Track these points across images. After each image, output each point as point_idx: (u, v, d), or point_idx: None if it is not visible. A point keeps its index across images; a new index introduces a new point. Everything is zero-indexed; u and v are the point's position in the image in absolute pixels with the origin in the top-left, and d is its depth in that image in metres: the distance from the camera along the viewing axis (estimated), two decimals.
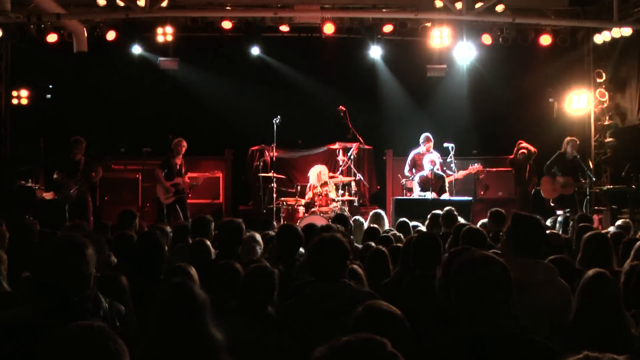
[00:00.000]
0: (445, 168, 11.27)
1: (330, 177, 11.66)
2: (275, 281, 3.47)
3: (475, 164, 11.48)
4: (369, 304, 2.61)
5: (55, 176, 10.72)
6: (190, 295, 2.63)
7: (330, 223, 6.95)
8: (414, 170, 11.44)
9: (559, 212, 10.79)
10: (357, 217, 8.46)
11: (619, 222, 7.60)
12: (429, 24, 12.20)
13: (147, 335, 2.64)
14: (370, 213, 8.86)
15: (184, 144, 11.14)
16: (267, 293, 3.42)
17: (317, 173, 11.48)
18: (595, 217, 10.69)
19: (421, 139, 11.46)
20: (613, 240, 5.04)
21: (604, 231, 6.40)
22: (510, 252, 3.59)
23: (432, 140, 11.40)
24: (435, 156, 11.17)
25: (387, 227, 8.23)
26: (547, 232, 5.59)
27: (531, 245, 3.60)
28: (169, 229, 6.50)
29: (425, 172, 10.99)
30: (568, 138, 11.33)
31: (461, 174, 11.33)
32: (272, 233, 6.99)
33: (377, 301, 2.73)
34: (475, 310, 2.54)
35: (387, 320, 2.53)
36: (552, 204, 11.16)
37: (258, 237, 5.79)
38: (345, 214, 8.42)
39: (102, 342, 1.93)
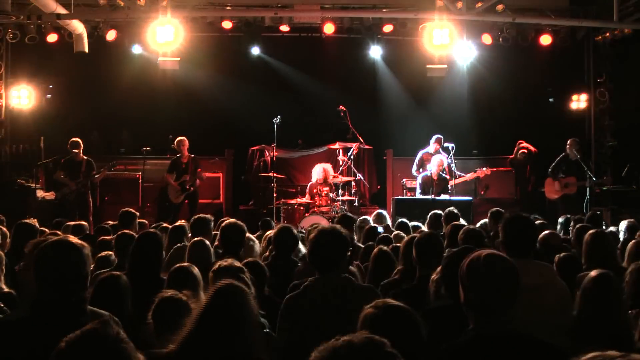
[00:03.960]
0: (452, 169, 11.23)
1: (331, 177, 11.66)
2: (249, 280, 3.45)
3: (484, 168, 11.47)
4: (383, 301, 2.59)
5: (56, 175, 10.76)
6: (240, 298, 2.63)
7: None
8: (421, 170, 11.41)
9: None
10: (365, 217, 8.42)
11: (626, 223, 7.52)
12: (429, 24, 12.19)
13: (185, 333, 2.63)
14: (373, 213, 8.86)
15: (185, 142, 11.20)
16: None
17: (318, 171, 11.51)
18: None
19: (432, 139, 11.46)
20: (616, 239, 5.04)
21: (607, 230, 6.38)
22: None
23: (441, 144, 11.38)
24: (445, 158, 11.13)
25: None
26: (547, 231, 5.60)
27: (521, 247, 3.57)
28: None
29: (429, 172, 10.97)
30: (571, 139, 11.32)
31: (470, 176, 11.32)
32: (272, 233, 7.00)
33: (390, 299, 2.70)
34: (487, 310, 2.54)
35: (401, 318, 2.51)
36: (557, 203, 11.17)
37: (253, 237, 5.81)
38: (349, 214, 8.34)
39: (116, 346, 1.94)
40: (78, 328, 2.04)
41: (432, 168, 10.97)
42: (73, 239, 2.87)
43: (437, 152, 11.34)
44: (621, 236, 6.69)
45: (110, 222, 7.91)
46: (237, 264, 3.56)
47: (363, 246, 6.00)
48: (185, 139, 11.27)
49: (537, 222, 7.13)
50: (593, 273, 3.38)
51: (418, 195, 10.96)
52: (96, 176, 10.87)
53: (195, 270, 3.84)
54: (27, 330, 2.59)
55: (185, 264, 4.01)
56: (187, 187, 11.15)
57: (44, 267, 2.73)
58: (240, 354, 2.52)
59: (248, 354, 2.54)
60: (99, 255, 5.36)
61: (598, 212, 8.33)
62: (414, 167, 11.51)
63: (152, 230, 5.02)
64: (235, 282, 2.75)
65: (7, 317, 2.76)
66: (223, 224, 5.21)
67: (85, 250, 2.79)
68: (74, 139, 10.85)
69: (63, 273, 2.70)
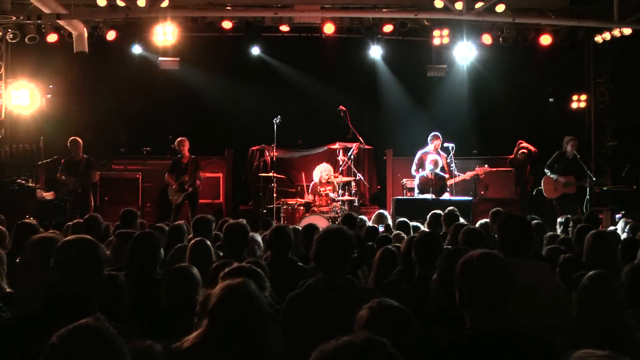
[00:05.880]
0: (451, 168, 11.21)
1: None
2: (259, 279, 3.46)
3: (485, 165, 11.45)
4: (379, 301, 2.60)
5: (57, 175, 10.78)
6: (250, 299, 2.66)
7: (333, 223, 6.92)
8: (420, 170, 11.37)
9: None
10: (361, 216, 8.42)
11: (626, 225, 7.50)
12: (429, 24, 12.22)
13: (201, 333, 2.65)
14: (374, 213, 8.85)
15: (185, 143, 11.17)
16: None
17: (321, 171, 11.51)
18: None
19: (429, 138, 11.39)
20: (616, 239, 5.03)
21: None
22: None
23: (440, 139, 11.27)
24: (439, 156, 11.08)
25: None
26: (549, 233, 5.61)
27: (518, 246, 3.59)
28: (167, 228, 6.48)
29: (426, 172, 10.95)
30: (567, 137, 11.33)
31: (468, 174, 11.30)
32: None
33: (386, 299, 2.71)
34: (482, 309, 2.55)
35: (396, 318, 2.52)
36: (554, 204, 11.16)
37: (258, 237, 5.78)
38: (353, 214, 8.36)
39: (105, 340, 1.94)
40: None
41: (426, 168, 10.95)
42: (90, 239, 2.96)
43: (436, 149, 11.26)
44: (623, 236, 6.70)
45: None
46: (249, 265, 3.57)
47: None
48: (185, 139, 11.23)
49: (534, 222, 7.15)
50: (590, 273, 3.39)
51: (417, 196, 10.94)
52: (91, 175, 10.86)
53: (195, 270, 3.84)
54: (40, 332, 2.60)
55: (185, 264, 4.01)
56: (186, 187, 11.11)
57: (66, 263, 2.80)
58: (255, 345, 2.57)
59: (262, 345, 2.59)
60: None
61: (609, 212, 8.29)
62: (413, 167, 11.46)
63: (149, 230, 5.02)
64: (243, 278, 2.77)
65: (17, 319, 2.78)
66: (226, 225, 5.18)
67: (101, 250, 2.92)
68: (73, 138, 10.85)
69: (88, 270, 2.81)
